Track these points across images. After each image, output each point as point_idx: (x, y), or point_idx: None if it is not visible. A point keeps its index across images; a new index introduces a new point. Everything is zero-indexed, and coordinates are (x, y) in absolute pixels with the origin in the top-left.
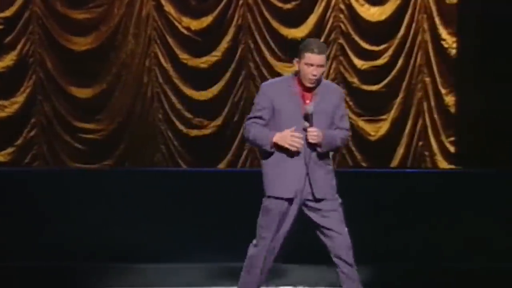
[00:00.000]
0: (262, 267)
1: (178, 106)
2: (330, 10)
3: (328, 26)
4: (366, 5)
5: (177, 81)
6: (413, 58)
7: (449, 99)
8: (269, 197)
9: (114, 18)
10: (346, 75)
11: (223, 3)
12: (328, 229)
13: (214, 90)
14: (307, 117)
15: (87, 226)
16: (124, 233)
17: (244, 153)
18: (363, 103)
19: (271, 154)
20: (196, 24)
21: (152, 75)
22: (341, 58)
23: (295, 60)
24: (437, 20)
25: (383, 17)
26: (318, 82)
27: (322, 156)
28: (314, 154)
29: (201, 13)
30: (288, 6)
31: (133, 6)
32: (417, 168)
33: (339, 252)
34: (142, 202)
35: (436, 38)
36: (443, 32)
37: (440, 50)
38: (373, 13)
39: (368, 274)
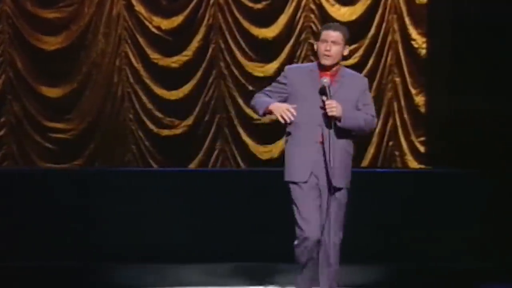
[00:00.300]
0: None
1: (149, 105)
2: (300, 10)
3: (299, 26)
4: (337, 5)
5: (147, 80)
6: (383, 58)
7: (419, 99)
8: (287, 182)
9: (84, 18)
10: None
11: (193, 3)
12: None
13: (185, 89)
14: (324, 91)
15: (65, 226)
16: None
17: (215, 152)
18: None
19: (291, 140)
20: (167, 24)
21: (123, 74)
22: (312, 58)
23: (315, 44)
24: (407, 20)
25: (353, 17)
26: (333, 60)
27: (342, 140)
28: (333, 136)
29: (172, 13)
30: (259, 6)
31: (104, 5)
32: (388, 167)
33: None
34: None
35: (406, 38)
36: (413, 32)
37: (410, 50)
38: (343, 13)
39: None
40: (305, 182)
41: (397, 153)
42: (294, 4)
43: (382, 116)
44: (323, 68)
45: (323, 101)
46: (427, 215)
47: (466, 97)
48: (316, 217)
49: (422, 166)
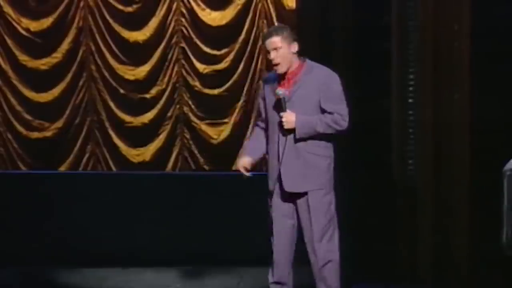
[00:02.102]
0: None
1: (18, 108)
2: (171, 14)
3: (170, 29)
4: (207, 10)
5: (16, 82)
6: (254, 63)
7: None
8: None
9: None
10: (188, 78)
11: (63, 5)
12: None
13: (55, 92)
14: (279, 102)
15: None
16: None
17: (86, 155)
18: (205, 107)
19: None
20: (36, 26)
21: None
22: (183, 61)
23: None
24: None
25: (223, 22)
26: (284, 66)
27: (303, 146)
28: (291, 144)
29: (41, 15)
30: (129, 9)
31: None
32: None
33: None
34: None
35: None
36: None
37: None
38: (214, 18)
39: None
40: (273, 190)
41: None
42: (165, 7)
43: (253, 120)
44: (282, 76)
45: (279, 114)
46: None
47: None
48: (283, 238)
49: None
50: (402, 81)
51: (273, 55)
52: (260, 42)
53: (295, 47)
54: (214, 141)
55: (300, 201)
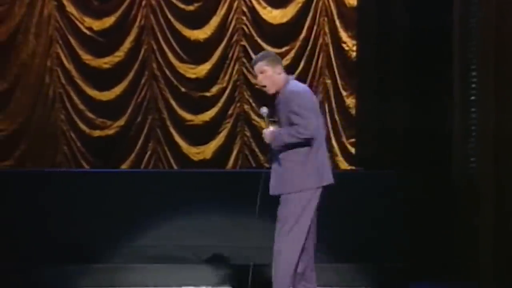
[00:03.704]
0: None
1: (81, 106)
2: (232, 13)
3: (231, 28)
4: (268, 8)
5: (79, 81)
6: (314, 60)
7: (350, 101)
8: None
9: (15, 18)
10: (249, 76)
11: (125, 4)
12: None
13: (117, 90)
14: (264, 119)
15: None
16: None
17: (148, 153)
18: (266, 105)
19: None
20: (99, 25)
21: (54, 75)
22: (244, 60)
23: None
24: (337, 23)
25: (284, 20)
26: (273, 88)
27: (282, 154)
28: (276, 153)
29: (104, 14)
30: (191, 7)
31: (35, 6)
32: None
33: None
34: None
35: (337, 41)
36: (344, 35)
37: (341, 52)
38: (275, 16)
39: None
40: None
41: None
42: (226, 6)
43: None
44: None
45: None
46: (357, 215)
47: (395, 99)
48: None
49: (353, 167)
50: (464, 80)
51: (259, 80)
52: (321, 40)
53: (277, 68)
54: None
55: (281, 200)
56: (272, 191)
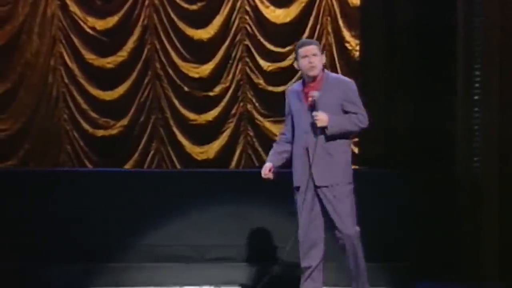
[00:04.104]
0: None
1: (84, 106)
2: (235, 12)
3: (234, 27)
4: (271, 7)
5: (82, 81)
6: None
7: None
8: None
9: (18, 18)
10: (252, 76)
11: (128, 3)
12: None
13: (120, 90)
14: (313, 104)
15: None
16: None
17: (151, 153)
18: (269, 104)
19: (293, 152)
20: (102, 24)
21: (57, 75)
22: (247, 59)
23: (295, 63)
24: (341, 22)
25: (288, 19)
26: (318, 70)
27: (330, 145)
28: (320, 144)
29: (107, 13)
30: (194, 7)
31: (38, 5)
32: None
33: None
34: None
35: (340, 41)
36: (347, 35)
37: (344, 52)
38: (278, 15)
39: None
40: (300, 185)
41: None
42: (229, 5)
43: None
44: (309, 81)
45: (312, 114)
46: (360, 214)
47: (399, 99)
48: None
49: (357, 167)
50: (468, 79)
51: (312, 59)
52: (324, 40)
53: (324, 58)
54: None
55: (326, 193)
56: (321, 181)
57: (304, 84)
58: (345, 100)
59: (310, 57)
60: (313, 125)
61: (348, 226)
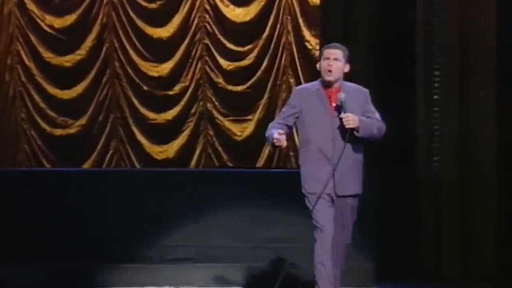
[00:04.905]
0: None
1: (42, 105)
2: (195, 11)
3: (194, 26)
4: (231, 6)
5: (40, 79)
6: (277, 59)
7: None
8: (305, 194)
9: None
10: (212, 75)
11: (87, 2)
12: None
13: (79, 89)
14: (341, 105)
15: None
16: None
17: (110, 152)
18: (229, 104)
19: (303, 155)
20: (60, 22)
21: (15, 73)
22: (207, 58)
23: (318, 64)
24: (301, 21)
25: (247, 18)
26: (335, 76)
27: (353, 153)
28: (345, 151)
29: (65, 11)
30: (153, 5)
31: None
32: (282, 168)
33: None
34: None
35: (300, 40)
36: (307, 34)
37: (304, 51)
38: (238, 14)
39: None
40: (321, 192)
41: (292, 153)
42: (188, 4)
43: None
44: (326, 85)
45: (339, 116)
46: None
47: None
48: (331, 226)
49: None
50: (428, 78)
51: (331, 63)
52: (284, 39)
53: (347, 67)
54: (238, 138)
55: (344, 203)
56: (343, 191)
57: (322, 85)
58: (365, 109)
59: (331, 60)
60: (341, 129)
61: (350, 236)
